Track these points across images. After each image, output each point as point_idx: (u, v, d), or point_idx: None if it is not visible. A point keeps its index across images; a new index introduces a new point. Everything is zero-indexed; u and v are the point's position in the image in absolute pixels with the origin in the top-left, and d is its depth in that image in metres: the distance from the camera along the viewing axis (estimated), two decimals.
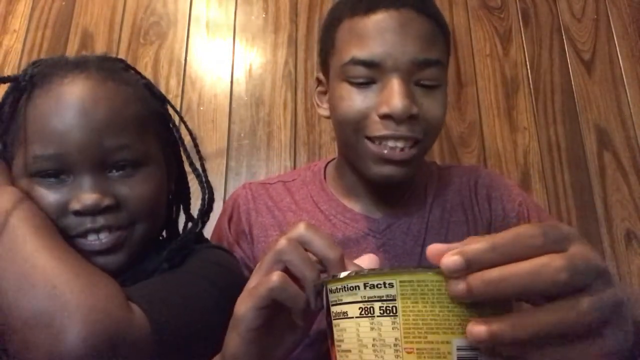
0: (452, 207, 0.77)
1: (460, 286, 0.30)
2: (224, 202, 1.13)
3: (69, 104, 0.56)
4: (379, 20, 0.64)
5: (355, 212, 0.75)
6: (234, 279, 0.63)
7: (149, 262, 0.60)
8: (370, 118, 0.65)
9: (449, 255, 0.30)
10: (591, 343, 0.31)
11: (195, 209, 0.67)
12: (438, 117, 0.67)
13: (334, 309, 0.35)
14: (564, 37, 1.35)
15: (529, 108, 1.28)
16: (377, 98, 0.64)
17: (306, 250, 0.41)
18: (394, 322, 0.31)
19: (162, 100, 0.67)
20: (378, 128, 0.64)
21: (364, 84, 0.65)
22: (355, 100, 0.65)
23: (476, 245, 0.30)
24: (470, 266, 0.30)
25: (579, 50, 1.34)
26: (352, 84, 0.66)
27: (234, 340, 0.42)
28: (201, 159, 0.69)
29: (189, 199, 0.72)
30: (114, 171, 0.58)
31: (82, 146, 0.55)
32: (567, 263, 0.30)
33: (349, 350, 0.34)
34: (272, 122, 1.23)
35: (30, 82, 0.58)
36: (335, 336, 0.35)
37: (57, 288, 0.44)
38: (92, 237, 0.56)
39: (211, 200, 0.68)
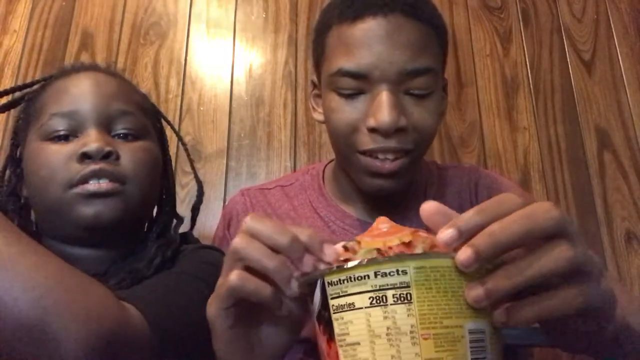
0: (452, 209, 0.76)
1: (467, 253, 0.31)
2: (224, 202, 1.14)
3: (84, 78, 0.67)
4: (366, 29, 0.62)
5: (354, 218, 0.75)
6: None
7: (141, 258, 0.61)
8: (360, 131, 0.64)
9: (443, 230, 0.33)
10: (571, 292, 0.33)
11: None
12: (429, 127, 0.65)
13: (334, 302, 0.34)
14: (564, 37, 1.35)
15: (529, 108, 1.28)
16: (365, 109, 0.63)
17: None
18: (409, 309, 0.31)
19: (157, 111, 0.77)
20: (367, 141, 0.63)
21: (353, 95, 0.64)
22: (345, 112, 0.64)
23: (464, 214, 0.34)
24: (463, 234, 0.33)
25: (579, 50, 1.34)
26: (340, 95, 0.65)
27: (216, 343, 0.42)
28: (192, 161, 0.80)
29: (174, 193, 0.78)
30: (116, 138, 0.66)
31: (93, 106, 0.64)
32: (554, 207, 0.33)
33: (358, 343, 0.33)
34: (272, 122, 1.22)
35: (48, 79, 0.69)
36: (337, 330, 0.34)
37: (45, 297, 0.41)
38: (92, 181, 0.60)
39: (201, 193, 0.77)
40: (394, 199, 0.74)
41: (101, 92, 0.66)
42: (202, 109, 1.23)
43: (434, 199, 0.76)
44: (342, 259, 0.36)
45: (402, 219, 0.74)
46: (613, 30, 1.35)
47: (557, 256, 0.32)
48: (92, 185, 0.60)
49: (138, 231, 0.69)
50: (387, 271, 0.32)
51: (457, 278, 0.32)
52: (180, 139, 0.81)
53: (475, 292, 0.31)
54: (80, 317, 0.41)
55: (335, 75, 0.64)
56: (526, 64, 1.32)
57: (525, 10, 1.38)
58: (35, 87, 0.70)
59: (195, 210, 0.77)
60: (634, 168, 1.23)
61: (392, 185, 0.66)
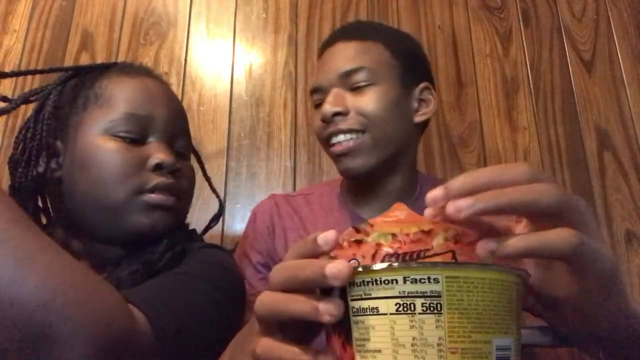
0: None
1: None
2: (224, 202, 1.14)
3: (159, 86, 0.69)
4: (323, 57, 0.86)
5: (362, 219, 0.82)
6: (233, 279, 0.64)
7: (153, 251, 0.61)
8: (320, 126, 0.82)
9: (431, 192, 0.34)
10: (564, 230, 0.32)
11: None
12: (372, 110, 0.78)
13: (355, 304, 0.32)
14: (564, 37, 1.35)
15: (529, 108, 1.28)
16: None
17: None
18: (438, 321, 0.30)
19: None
20: (321, 129, 0.81)
21: (319, 105, 0.83)
22: (316, 118, 0.83)
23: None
24: (449, 193, 0.33)
25: (579, 50, 1.34)
26: (314, 106, 0.85)
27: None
28: (208, 178, 0.87)
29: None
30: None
31: (167, 117, 0.67)
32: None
33: (378, 351, 0.31)
34: (272, 122, 1.22)
35: (104, 68, 0.70)
36: (356, 334, 0.32)
37: (57, 299, 0.39)
38: (158, 193, 0.63)
39: (222, 207, 0.86)
40: (399, 202, 0.80)
41: (174, 107, 0.69)
42: (202, 109, 1.23)
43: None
44: (352, 239, 0.35)
45: None
46: (613, 30, 1.36)
47: (541, 189, 0.32)
48: (158, 197, 0.62)
49: None
50: (418, 278, 0.30)
51: (489, 291, 0.31)
52: (198, 157, 0.85)
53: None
54: (89, 322, 0.40)
55: (310, 93, 0.86)
56: (526, 64, 1.32)
57: (525, 10, 1.38)
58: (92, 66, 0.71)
59: (213, 221, 0.84)
60: (634, 168, 1.23)
61: (353, 164, 0.79)
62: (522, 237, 0.32)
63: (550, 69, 1.32)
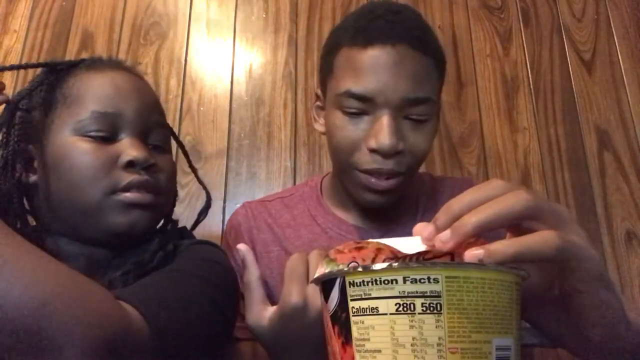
0: None
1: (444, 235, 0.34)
2: (224, 202, 1.14)
3: (127, 80, 0.66)
4: (374, 56, 0.66)
5: (349, 224, 0.78)
6: (226, 274, 0.64)
7: (143, 251, 0.61)
8: (361, 150, 0.68)
9: (422, 231, 0.36)
10: (548, 232, 0.34)
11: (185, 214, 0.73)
12: (422, 151, 0.70)
13: (355, 304, 0.32)
14: (564, 37, 1.35)
15: (529, 108, 1.28)
16: (367, 130, 0.67)
17: None
18: (438, 321, 0.30)
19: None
20: (367, 161, 0.67)
21: (356, 114, 0.68)
22: (348, 130, 0.68)
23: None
24: (439, 229, 0.36)
25: (579, 50, 1.34)
26: (345, 113, 0.68)
27: None
28: (195, 170, 0.84)
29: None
30: (150, 148, 0.65)
31: (137, 111, 0.64)
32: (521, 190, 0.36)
33: (378, 351, 0.31)
34: (272, 122, 1.22)
35: (71, 66, 0.67)
36: (356, 334, 0.32)
37: (47, 303, 0.38)
38: (134, 191, 0.60)
39: (209, 199, 0.80)
40: (387, 208, 0.76)
41: (145, 100, 0.66)
42: (202, 109, 1.23)
43: (425, 209, 0.80)
44: (353, 247, 0.37)
45: (395, 227, 0.78)
46: (613, 30, 1.35)
47: (513, 197, 0.35)
48: (134, 195, 0.60)
49: None
50: (418, 278, 0.30)
51: (489, 291, 0.31)
52: (182, 147, 0.81)
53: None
54: (82, 323, 0.39)
55: (342, 95, 0.67)
56: (526, 64, 1.32)
57: (525, 10, 1.38)
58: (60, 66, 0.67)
59: (201, 214, 0.79)
60: (634, 168, 1.23)
61: (383, 200, 0.70)
62: (507, 243, 0.33)
63: (550, 69, 1.32)
